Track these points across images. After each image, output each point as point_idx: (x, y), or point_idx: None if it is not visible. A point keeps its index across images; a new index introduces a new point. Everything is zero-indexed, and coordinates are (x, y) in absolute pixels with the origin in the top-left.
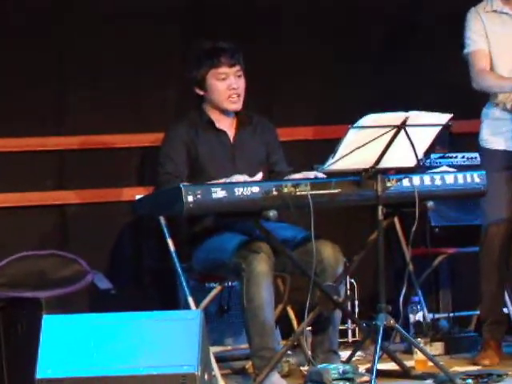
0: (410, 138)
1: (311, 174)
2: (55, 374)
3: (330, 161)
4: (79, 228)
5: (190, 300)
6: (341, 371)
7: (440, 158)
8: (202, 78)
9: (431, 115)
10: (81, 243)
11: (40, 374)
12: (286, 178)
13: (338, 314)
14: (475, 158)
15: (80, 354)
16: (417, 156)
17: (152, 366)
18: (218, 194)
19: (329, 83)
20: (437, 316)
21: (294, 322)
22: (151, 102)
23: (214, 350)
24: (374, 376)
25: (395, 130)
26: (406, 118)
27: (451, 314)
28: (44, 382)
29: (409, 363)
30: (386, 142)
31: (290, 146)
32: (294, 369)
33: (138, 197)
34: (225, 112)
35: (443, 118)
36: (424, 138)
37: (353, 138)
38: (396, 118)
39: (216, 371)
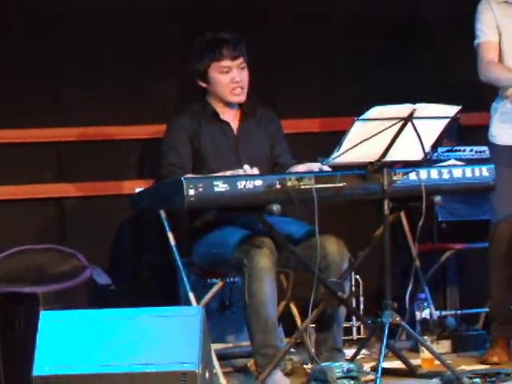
0: (417, 131)
1: (315, 166)
2: (52, 371)
3: (335, 154)
4: (78, 222)
5: (191, 296)
6: (345, 369)
7: (448, 151)
8: (205, 70)
9: (439, 107)
10: (79, 237)
11: (37, 371)
12: (289, 169)
13: (343, 310)
14: (484, 151)
15: (78, 351)
16: (424, 149)
17: (151, 363)
18: (220, 187)
19: (330, 76)
20: (444, 313)
21: (298, 319)
22: (152, 93)
23: (215, 347)
24: (379, 374)
25: (402, 122)
26: (414, 110)
27: (458, 312)
28: (41, 379)
29: (415, 361)
30: (393, 135)
31: (294, 139)
32: (297, 367)
33: (137, 190)
34: (228, 104)
35: (451, 110)
36: (431, 130)
37: (359, 130)
38: (403, 110)
39: (217, 369)
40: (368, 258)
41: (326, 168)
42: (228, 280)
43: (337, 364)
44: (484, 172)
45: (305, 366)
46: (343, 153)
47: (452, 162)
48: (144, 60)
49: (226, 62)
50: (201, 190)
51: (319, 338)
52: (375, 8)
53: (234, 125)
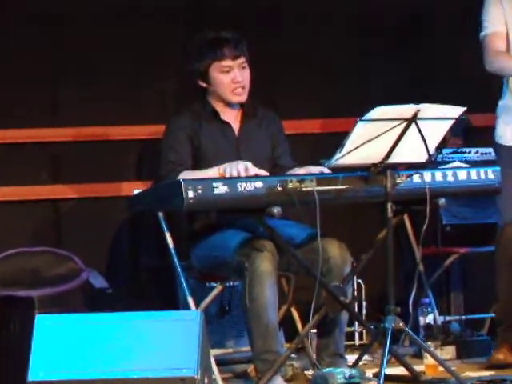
0: (421, 132)
1: (316, 169)
2: (47, 376)
3: (337, 155)
4: (74, 224)
5: (190, 300)
6: (347, 375)
7: (452, 153)
8: (205, 70)
9: (444, 108)
10: (76, 240)
11: (32, 376)
12: (290, 172)
13: (345, 315)
14: (489, 153)
15: (74, 356)
16: (428, 151)
17: (149, 368)
18: (220, 189)
19: (330, 76)
20: (448, 318)
21: (299, 324)
22: (150, 93)
23: (214, 352)
24: (381, 381)
25: (406, 123)
26: (418, 111)
27: (463, 317)
28: None
29: (418, 368)
30: (396, 136)
31: (295, 140)
32: (298, 373)
33: (136, 191)
34: (229, 104)
35: (456, 110)
36: (436, 131)
37: (361, 131)
38: (407, 110)
39: (216, 375)
40: (371, 261)
41: (328, 170)
42: (227, 284)
43: (338, 370)
44: (489, 174)
45: (306, 372)
46: (345, 154)
47: (457, 163)
48: (143, 60)
49: (227, 62)
50: (200, 192)
51: (321, 343)
52: (375, 8)
53: (236, 126)
